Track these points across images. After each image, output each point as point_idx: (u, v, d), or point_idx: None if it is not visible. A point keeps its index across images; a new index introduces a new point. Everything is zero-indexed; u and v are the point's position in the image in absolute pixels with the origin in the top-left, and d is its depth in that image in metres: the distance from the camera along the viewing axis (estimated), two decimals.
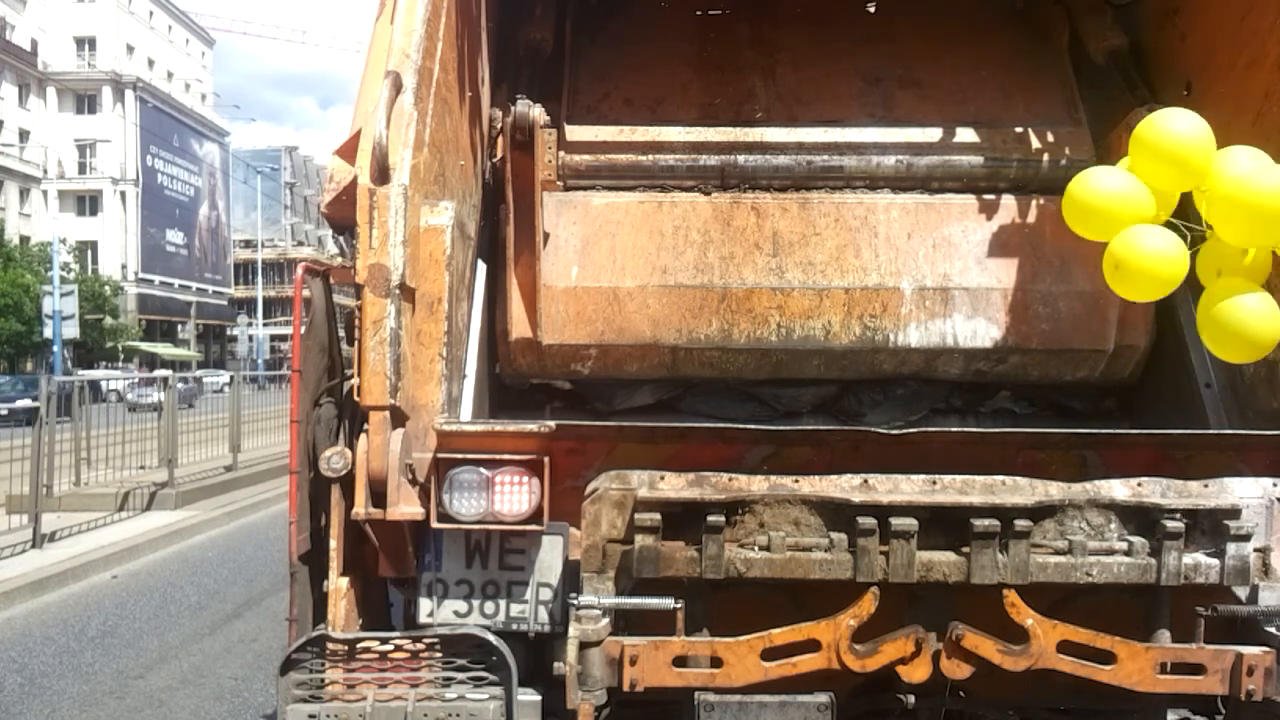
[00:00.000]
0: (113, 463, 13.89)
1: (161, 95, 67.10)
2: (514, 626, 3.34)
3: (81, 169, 64.31)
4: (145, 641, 7.99)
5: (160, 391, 15.41)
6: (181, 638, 8.07)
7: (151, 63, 68.94)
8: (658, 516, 3.05)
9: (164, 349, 62.85)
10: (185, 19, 75.86)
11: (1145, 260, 3.39)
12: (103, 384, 18.78)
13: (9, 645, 7.91)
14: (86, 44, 64.91)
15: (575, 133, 4.57)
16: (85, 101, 64.06)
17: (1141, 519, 3.08)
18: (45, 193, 59.05)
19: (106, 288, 55.47)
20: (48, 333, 42.70)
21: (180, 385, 16.80)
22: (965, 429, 4.27)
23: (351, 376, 3.27)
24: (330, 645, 3.22)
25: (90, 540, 11.34)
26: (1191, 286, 4.38)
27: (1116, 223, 3.44)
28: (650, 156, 4.55)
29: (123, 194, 63.47)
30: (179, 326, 69.12)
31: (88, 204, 63.53)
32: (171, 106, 68.13)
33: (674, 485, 3.15)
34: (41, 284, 45.64)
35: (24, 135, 60.42)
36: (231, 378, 18.57)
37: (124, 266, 62.37)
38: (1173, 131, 3.45)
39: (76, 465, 13.37)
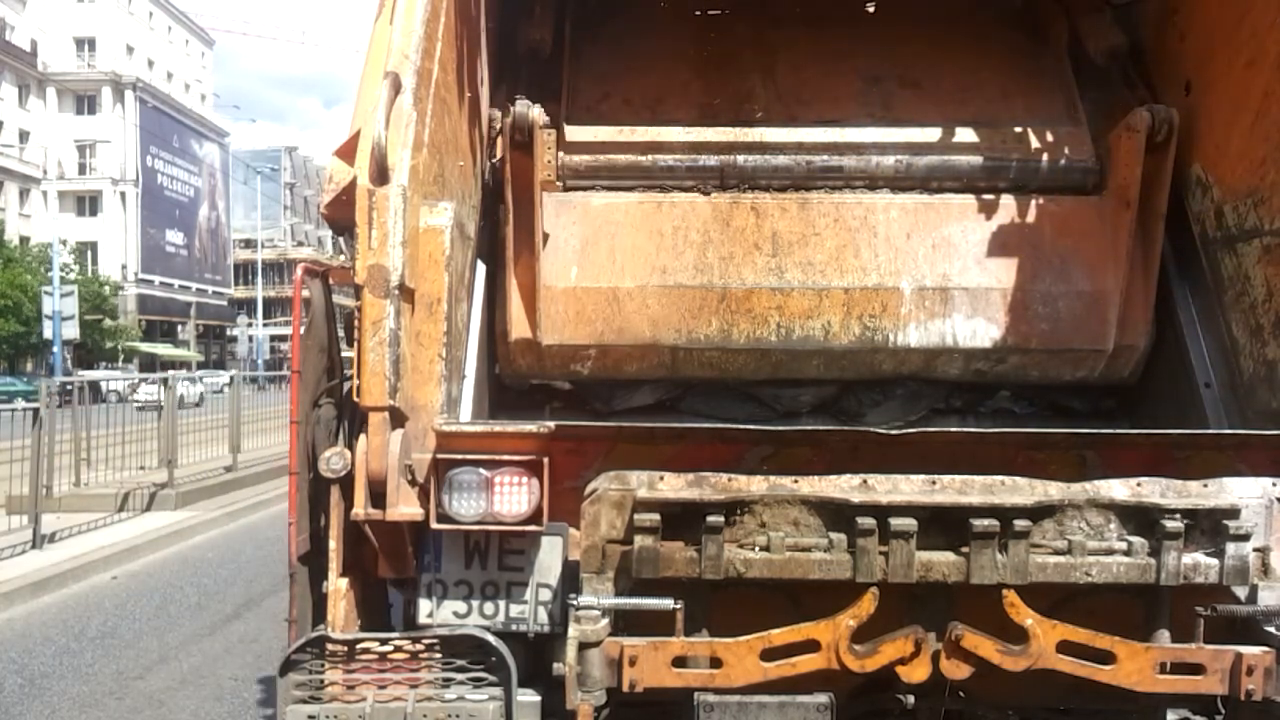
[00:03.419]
0: (113, 463, 13.88)
1: (161, 96, 67.11)
2: (513, 627, 3.34)
3: (81, 169, 64.32)
4: (145, 642, 7.98)
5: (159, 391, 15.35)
6: (181, 638, 8.07)
7: (151, 63, 68.95)
8: (657, 517, 3.05)
9: (164, 349, 62.85)
10: (185, 19, 75.86)
11: None
12: (102, 384, 18.78)
13: (9, 646, 7.90)
14: (86, 44, 64.93)
15: (575, 133, 4.57)
16: (85, 102, 64.07)
17: (1141, 519, 3.07)
18: (45, 193, 58.95)
19: (106, 288, 55.46)
20: (47, 333, 42.67)
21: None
22: (964, 429, 4.26)
23: (351, 377, 3.27)
24: (330, 646, 3.21)
25: (90, 541, 11.33)
26: (1189, 280, 4.43)
27: None
28: (650, 157, 4.55)
29: (122, 194, 63.48)
30: (179, 327, 69.12)
31: (87, 204, 63.55)
32: (171, 107, 68.13)
33: (673, 486, 3.14)
34: (41, 284, 45.62)
35: (24, 136, 60.46)
36: (231, 378, 18.57)
37: (124, 267, 62.38)
38: None
39: (76, 466, 13.36)
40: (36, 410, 11.16)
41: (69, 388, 13.99)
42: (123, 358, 56.46)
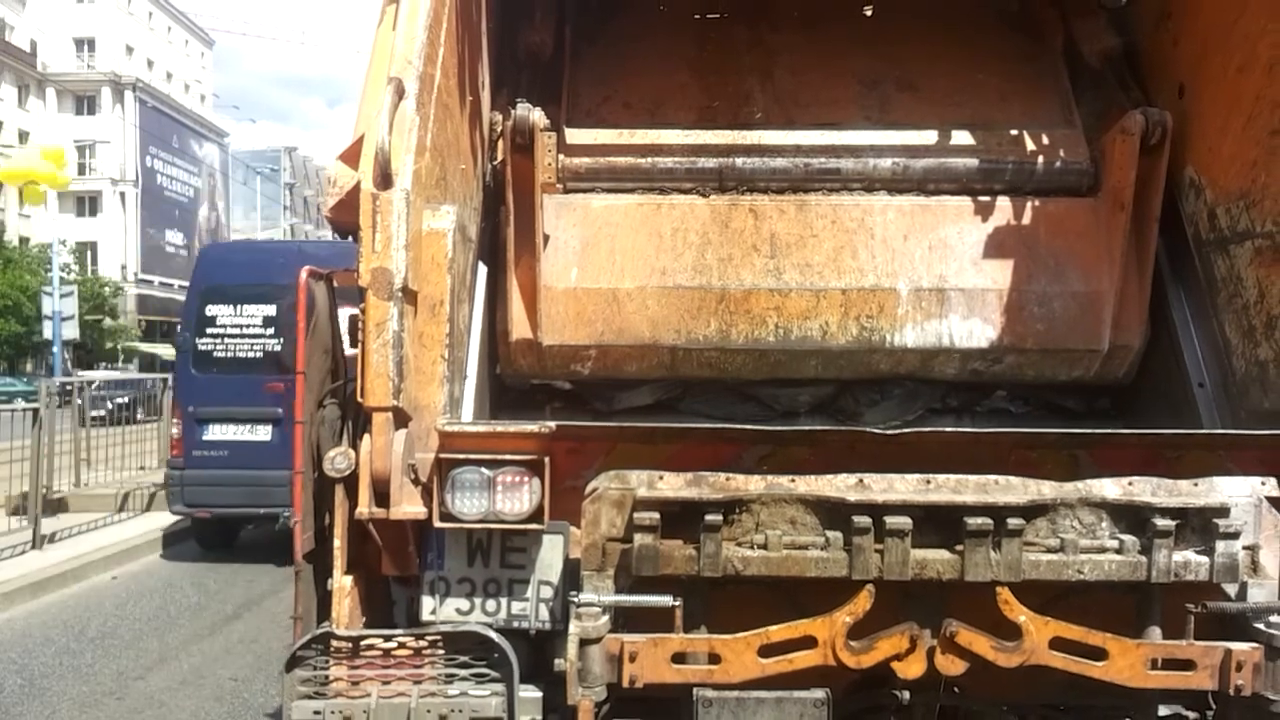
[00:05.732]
0: (112, 464, 13.91)
1: (161, 96, 67.02)
2: (515, 624, 3.38)
3: (81, 170, 63.92)
4: (145, 642, 8.02)
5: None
6: (181, 639, 8.11)
7: (151, 63, 68.90)
8: (656, 515, 3.09)
9: (164, 350, 62.70)
10: (184, 19, 75.83)
11: None
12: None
13: (9, 646, 7.93)
14: (86, 45, 64.87)
15: (575, 136, 4.60)
16: (84, 102, 63.98)
17: (1132, 517, 3.12)
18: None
19: (106, 289, 55.39)
20: (47, 333, 42.59)
21: None
22: (958, 429, 4.30)
23: (355, 378, 3.31)
24: (335, 642, 3.26)
25: (90, 541, 11.35)
26: (1183, 281, 4.47)
27: None
28: (649, 159, 4.59)
29: (122, 195, 63.39)
30: (179, 327, 68.93)
31: (87, 205, 63.41)
32: (171, 107, 68.06)
33: (672, 485, 3.19)
34: (41, 285, 45.57)
35: (23, 136, 60.25)
36: None
37: (123, 267, 62.29)
38: None
39: (76, 466, 13.39)
40: (36, 410, 11.18)
41: (68, 388, 14.01)
42: (123, 358, 56.38)
